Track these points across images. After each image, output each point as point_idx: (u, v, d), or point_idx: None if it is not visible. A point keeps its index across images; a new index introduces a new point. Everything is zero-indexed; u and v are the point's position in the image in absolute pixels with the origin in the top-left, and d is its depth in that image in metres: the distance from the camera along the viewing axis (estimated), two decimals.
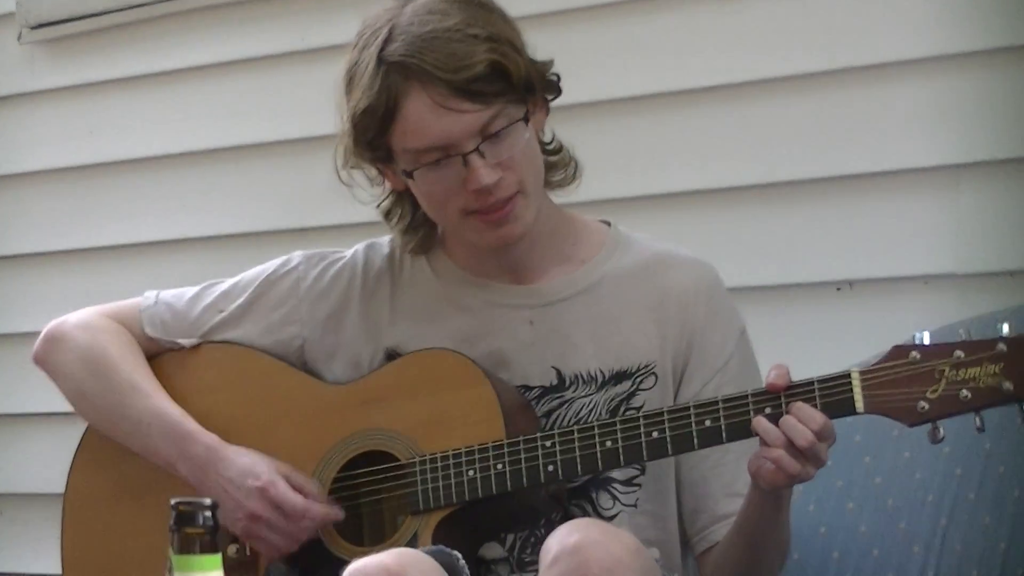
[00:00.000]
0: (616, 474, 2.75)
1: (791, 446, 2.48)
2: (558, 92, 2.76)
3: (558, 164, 2.79)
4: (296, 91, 3.94)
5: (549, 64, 2.74)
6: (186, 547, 1.78)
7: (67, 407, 3.00)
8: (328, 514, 2.76)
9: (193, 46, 4.08)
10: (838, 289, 3.32)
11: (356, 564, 2.49)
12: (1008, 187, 3.17)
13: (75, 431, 3.02)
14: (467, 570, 2.56)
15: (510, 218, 2.69)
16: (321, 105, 3.75)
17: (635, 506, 2.77)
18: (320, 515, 2.75)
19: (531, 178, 2.69)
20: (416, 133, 2.66)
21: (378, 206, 2.84)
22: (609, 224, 2.87)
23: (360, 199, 2.81)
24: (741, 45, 3.41)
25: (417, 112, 2.65)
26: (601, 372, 2.76)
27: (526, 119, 2.68)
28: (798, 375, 2.54)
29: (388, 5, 2.72)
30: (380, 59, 2.66)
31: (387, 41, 2.67)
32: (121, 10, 4.14)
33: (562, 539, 2.44)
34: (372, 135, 2.69)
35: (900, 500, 2.87)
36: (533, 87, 2.70)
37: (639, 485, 2.77)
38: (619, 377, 2.76)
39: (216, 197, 4.06)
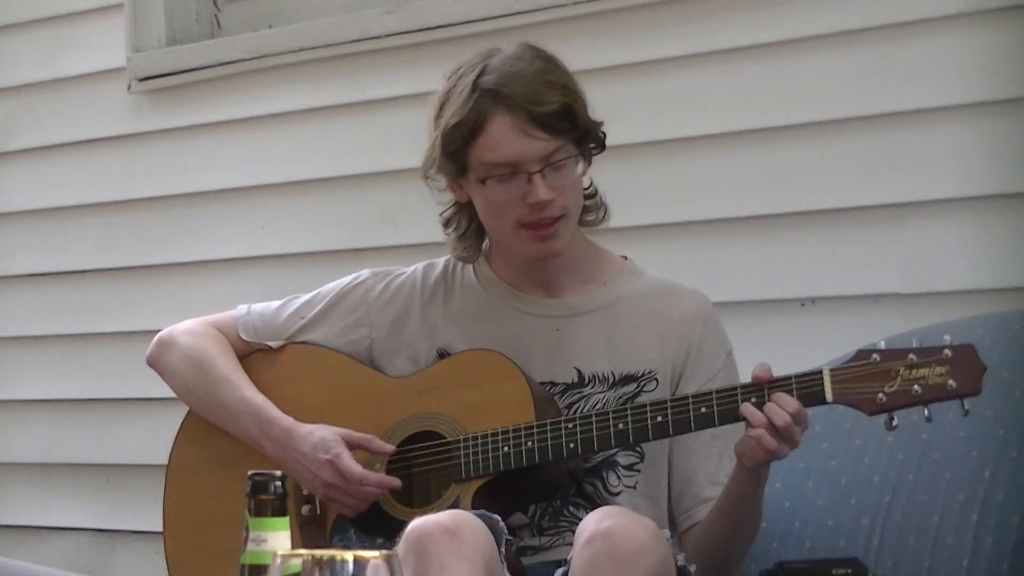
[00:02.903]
0: (621, 459, 2.76)
1: (771, 426, 2.51)
2: (603, 147, 2.79)
3: (592, 207, 2.82)
4: (356, 135, 3.93)
5: (601, 123, 2.78)
6: (259, 511, 1.79)
7: (165, 394, 3.03)
8: (382, 481, 2.77)
9: (272, 97, 4.07)
10: (802, 304, 3.31)
11: (417, 521, 2.49)
12: (945, 221, 3.16)
13: (170, 414, 3.06)
14: (506, 530, 2.57)
15: (553, 235, 2.71)
16: (377, 147, 3.84)
17: (634, 488, 2.77)
18: (375, 481, 2.76)
19: (573, 207, 2.73)
20: (495, 149, 2.69)
21: (441, 215, 2.86)
22: (627, 258, 2.90)
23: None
24: (727, 102, 3.41)
25: (499, 131, 2.68)
26: (613, 374, 2.78)
27: (579, 158, 2.72)
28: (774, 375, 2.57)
29: (479, 50, 2.77)
30: (475, 86, 2.70)
31: (481, 74, 2.71)
32: (213, 66, 4.13)
33: (596, 523, 2.46)
34: (456, 147, 2.72)
35: (851, 480, 2.85)
36: (589, 136, 2.74)
37: (639, 471, 2.78)
38: (627, 379, 2.78)
39: (290, 222, 4.05)
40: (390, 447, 2.80)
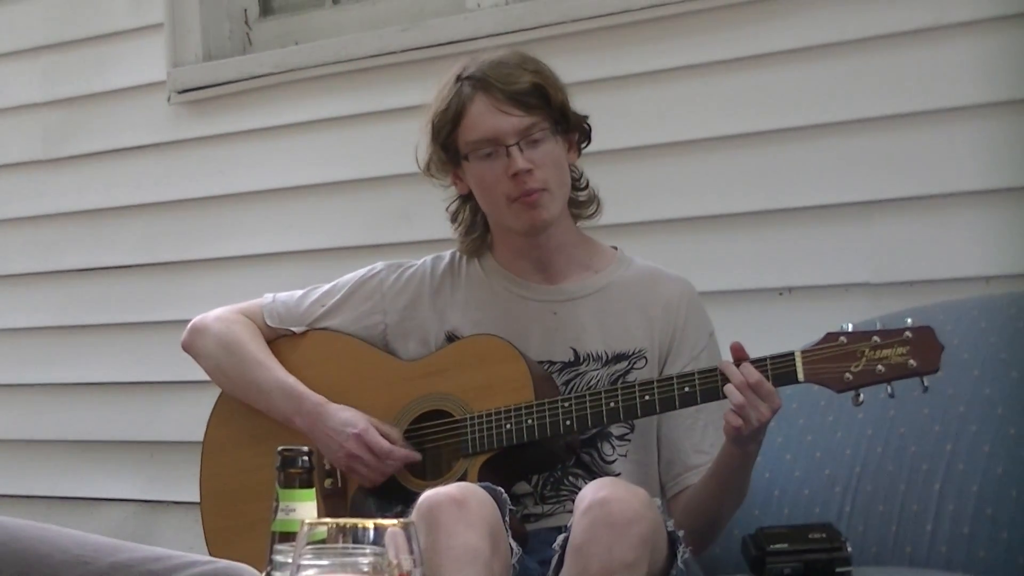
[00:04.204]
0: (613, 430, 2.76)
1: (748, 386, 2.52)
2: (588, 139, 2.80)
3: (586, 201, 2.84)
4: (375, 141, 3.92)
5: (584, 116, 2.80)
6: (288, 483, 1.78)
7: (202, 377, 3.03)
8: (408, 455, 2.78)
9: (299, 107, 4.06)
10: (779, 294, 3.31)
11: (427, 493, 2.50)
12: (909, 217, 3.15)
13: (206, 395, 3.06)
14: (509, 502, 2.58)
15: (538, 204, 2.72)
16: (394, 151, 3.79)
17: (626, 456, 2.77)
18: (401, 456, 2.77)
19: (555, 183, 2.74)
20: (475, 127, 2.72)
21: (447, 209, 2.87)
22: (616, 248, 2.90)
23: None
24: (709, 109, 3.40)
25: (478, 111, 2.72)
26: (606, 353, 2.78)
27: (556, 135, 2.73)
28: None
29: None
30: (457, 78, 2.75)
31: (464, 69, 2.75)
32: (245, 80, 4.12)
33: (594, 493, 2.47)
34: (445, 134, 2.75)
35: (825, 453, 2.85)
36: (567, 120, 2.75)
37: (629, 440, 2.78)
38: (619, 358, 2.78)
39: (314, 220, 4.04)
40: (415, 455, 2.80)
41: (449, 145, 2.77)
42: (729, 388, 2.54)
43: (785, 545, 2.53)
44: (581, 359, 2.79)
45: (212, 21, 4.25)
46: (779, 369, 2.56)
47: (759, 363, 2.56)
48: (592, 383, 2.76)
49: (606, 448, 2.77)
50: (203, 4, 4.23)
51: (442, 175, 2.82)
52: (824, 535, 2.55)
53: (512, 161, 2.71)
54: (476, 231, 2.85)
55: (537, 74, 2.75)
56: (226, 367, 2.95)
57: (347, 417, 2.81)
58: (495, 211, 2.79)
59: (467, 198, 2.84)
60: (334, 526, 1.56)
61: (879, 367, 2.52)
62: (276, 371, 2.90)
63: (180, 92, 4.26)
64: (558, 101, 2.75)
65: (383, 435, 2.79)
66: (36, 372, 4.60)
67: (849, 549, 2.53)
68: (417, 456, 2.79)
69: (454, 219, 2.87)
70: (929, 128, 3.13)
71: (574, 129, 2.79)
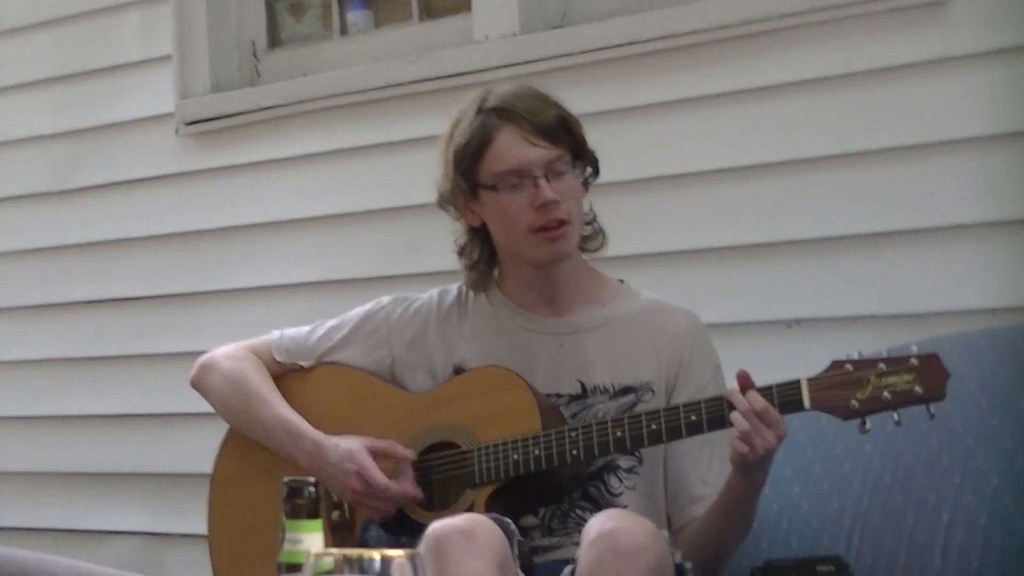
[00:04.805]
0: (621, 463, 2.76)
1: (753, 413, 2.52)
2: (597, 174, 2.82)
3: (592, 234, 2.85)
4: (382, 173, 3.93)
5: (594, 151, 2.82)
6: (295, 514, 1.81)
7: (210, 410, 3.04)
8: (404, 491, 2.78)
9: (307, 139, 4.07)
10: (788, 326, 3.31)
11: (435, 525, 2.50)
12: (917, 248, 3.16)
13: (214, 428, 3.06)
14: (518, 532, 2.57)
15: (562, 237, 2.73)
16: (402, 183, 3.86)
17: (634, 489, 2.77)
18: (397, 492, 2.77)
19: (576, 216, 2.76)
20: (502, 158, 2.73)
21: (456, 242, 2.87)
22: (623, 281, 2.91)
23: None
24: (717, 141, 3.41)
25: (505, 142, 2.72)
26: (613, 386, 2.79)
27: (574, 169, 2.75)
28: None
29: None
30: (479, 109, 2.75)
31: (483, 100, 2.76)
32: (253, 111, 4.14)
33: (600, 524, 2.47)
34: (467, 164, 2.75)
35: (832, 484, 2.85)
36: (585, 154, 2.77)
37: (637, 473, 2.78)
38: (626, 391, 2.79)
39: (322, 252, 4.05)
40: (411, 452, 2.80)
41: (471, 175, 2.77)
42: (735, 416, 2.54)
43: None
44: (588, 392, 2.79)
45: (220, 53, 4.27)
46: (785, 397, 2.56)
47: (765, 391, 2.57)
48: (599, 416, 2.75)
49: (612, 481, 2.78)
50: (211, 36, 4.25)
51: (457, 207, 2.82)
52: (833, 567, 2.55)
53: (540, 192, 2.71)
54: (483, 265, 2.85)
55: (559, 107, 2.77)
56: (233, 404, 2.97)
57: (345, 452, 2.81)
58: (514, 242, 2.79)
59: (476, 231, 2.84)
60: (341, 557, 1.57)
61: (885, 394, 2.52)
62: (278, 407, 2.91)
63: (188, 124, 4.27)
64: (580, 135, 2.77)
65: (382, 451, 2.80)
66: (44, 404, 4.61)
67: None
68: (415, 492, 2.79)
69: (461, 253, 2.87)
70: (936, 160, 3.14)
71: (588, 163, 2.81)
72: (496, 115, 2.74)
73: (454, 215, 2.85)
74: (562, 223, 2.73)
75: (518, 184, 2.73)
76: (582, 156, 2.78)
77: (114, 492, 4.44)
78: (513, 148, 2.72)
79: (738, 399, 2.55)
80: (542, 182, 2.71)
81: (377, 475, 2.77)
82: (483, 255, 2.85)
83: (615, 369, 2.80)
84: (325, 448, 2.83)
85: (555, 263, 2.78)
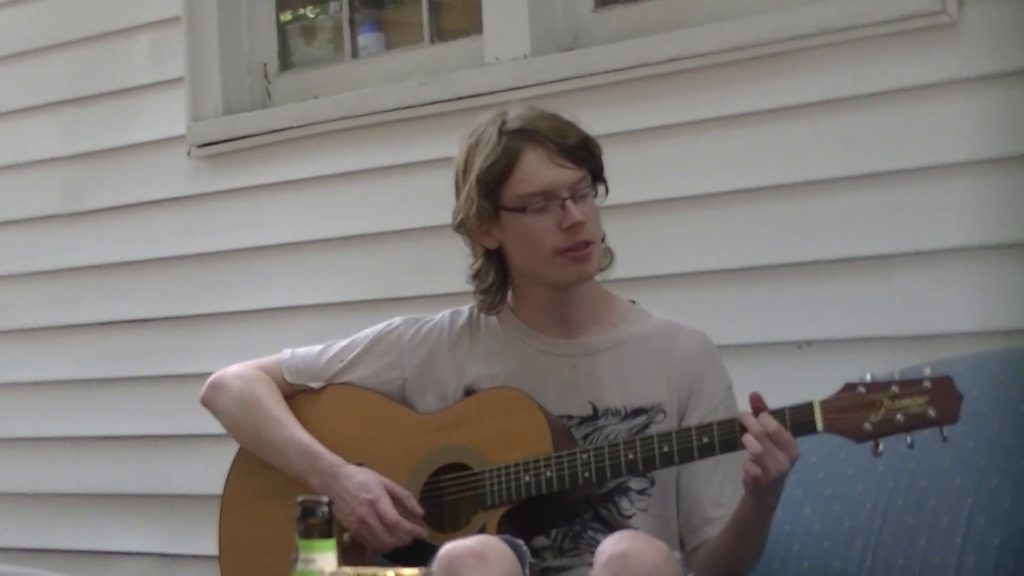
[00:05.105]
0: (633, 484, 2.76)
1: (766, 435, 2.51)
2: (607, 193, 2.81)
3: (604, 254, 2.84)
4: (394, 195, 3.94)
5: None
6: (308, 533, 1.80)
7: (221, 431, 3.03)
8: (413, 531, 2.77)
9: (318, 161, 4.08)
10: (799, 347, 3.31)
11: (447, 547, 2.50)
12: (928, 270, 3.16)
13: (225, 449, 3.06)
14: (529, 554, 2.58)
15: (586, 258, 2.73)
16: (413, 205, 3.86)
17: (646, 511, 2.77)
18: (406, 530, 2.77)
19: (598, 236, 2.76)
20: (529, 181, 2.72)
21: (471, 266, 2.85)
22: (634, 302, 2.91)
23: None
24: (729, 163, 3.41)
25: (531, 164, 2.72)
26: (625, 408, 2.78)
27: (594, 190, 2.75)
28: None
29: (488, 115, 2.80)
30: (501, 131, 2.74)
31: (503, 122, 2.75)
32: (264, 133, 4.15)
33: (613, 546, 2.48)
34: (491, 187, 2.73)
35: (845, 506, 2.84)
36: (603, 175, 2.78)
37: (650, 495, 2.78)
38: (638, 412, 2.78)
39: (333, 274, 4.05)
40: (420, 510, 2.79)
41: (494, 198, 2.75)
42: (747, 438, 2.54)
43: None
44: (599, 414, 2.79)
45: (232, 75, 4.28)
46: (798, 419, 2.56)
47: (777, 413, 2.56)
48: (611, 438, 2.75)
49: (624, 503, 2.77)
50: (223, 59, 4.26)
51: (475, 230, 2.80)
52: None
53: (568, 214, 2.71)
54: (497, 288, 2.84)
55: (578, 129, 2.77)
56: (243, 424, 2.96)
57: (362, 481, 2.80)
58: (537, 264, 2.77)
59: (492, 254, 2.83)
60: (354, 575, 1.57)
61: (898, 416, 2.51)
62: (292, 429, 2.90)
63: (200, 146, 4.28)
64: (599, 156, 2.78)
65: (397, 496, 2.79)
66: (55, 425, 4.61)
67: None
68: (421, 533, 2.78)
69: (476, 277, 2.85)
70: (948, 181, 3.14)
71: (604, 184, 2.81)
72: (520, 137, 2.73)
73: (469, 240, 2.84)
74: (587, 244, 2.73)
75: (545, 206, 2.72)
76: (599, 178, 2.79)
77: (125, 513, 4.45)
78: (540, 170, 2.72)
79: (751, 422, 2.54)
80: (569, 203, 2.71)
81: (390, 509, 2.77)
82: (498, 278, 2.84)
83: (626, 391, 2.79)
84: (343, 473, 2.82)
85: (579, 284, 2.78)
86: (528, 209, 2.73)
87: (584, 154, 2.75)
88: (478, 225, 2.78)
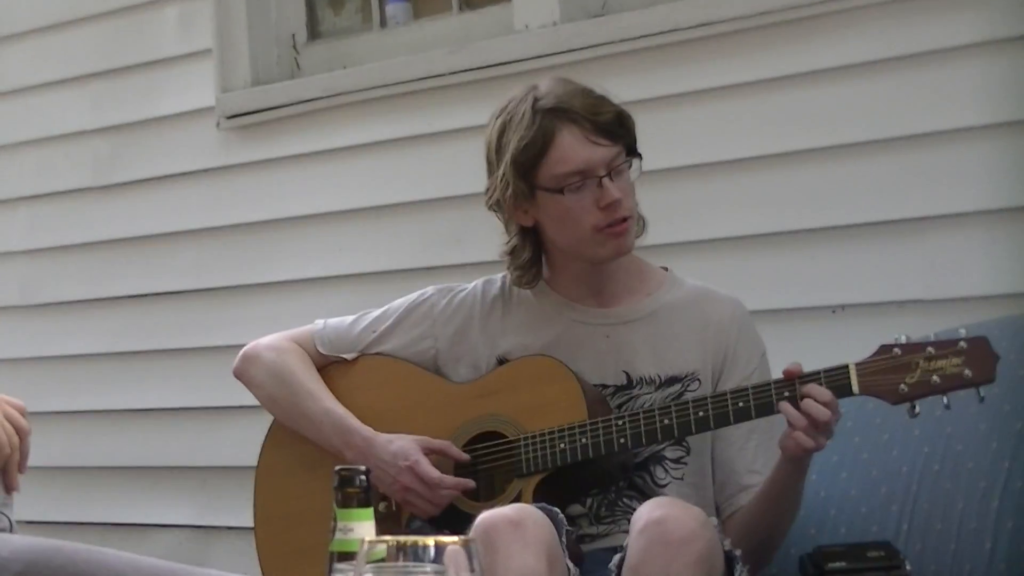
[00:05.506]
0: (668, 453, 2.76)
1: (811, 425, 2.51)
2: (641, 166, 2.79)
3: (636, 223, 2.82)
4: (424, 164, 3.94)
5: None
6: (346, 503, 1.80)
7: (254, 402, 3.04)
8: (459, 483, 2.78)
9: (347, 131, 4.07)
10: (832, 311, 3.30)
11: (484, 515, 2.51)
12: (963, 232, 3.15)
13: (259, 420, 3.06)
14: (565, 522, 2.58)
15: (624, 233, 2.72)
16: (444, 174, 3.86)
17: (682, 479, 2.77)
18: (451, 484, 2.77)
19: (635, 210, 2.75)
20: (566, 160, 2.70)
21: (506, 244, 2.84)
22: (667, 269, 2.90)
23: None
24: (763, 128, 3.40)
25: (568, 143, 2.70)
26: (659, 376, 2.78)
27: (631, 165, 2.73)
28: None
29: (519, 89, 2.78)
30: (535, 109, 2.71)
31: (536, 99, 2.73)
32: (293, 104, 4.14)
33: (649, 512, 2.48)
34: (526, 169, 2.72)
35: (881, 471, 2.84)
36: (636, 149, 2.76)
37: (686, 464, 2.78)
38: (672, 381, 2.78)
39: (365, 244, 4.06)
40: (465, 455, 2.80)
41: (529, 177, 2.73)
42: (794, 408, 2.54)
43: (843, 564, 2.54)
44: (634, 382, 2.79)
45: (260, 46, 4.28)
46: (833, 382, 2.56)
47: (813, 376, 2.56)
48: (645, 406, 2.74)
49: (659, 472, 2.78)
50: (251, 30, 4.26)
51: (510, 209, 2.78)
52: (883, 553, 2.55)
53: (606, 192, 2.70)
54: (532, 264, 2.83)
55: (614, 104, 2.75)
56: (277, 396, 2.96)
57: (398, 449, 2.80)
58: (575, 241, 2.76)
59: (527, 231, 2.81)
60: (394, 544, 1.57)
61: (934, 378, 2.52)
62: (326, 401, 2.90)
63: (229, 117, 4.29)
64: (633, 130, 2.76)
65: (438, 450, 2.79)
66: (89, 399, 4.63)
67: (908, 567, 2.53)
68: (468, 483, 2.78)
69: (512, 252, 2.83)
70: (981, 143, 3.13)
71: (638, 156, 2.79)
72: (554, 116, 2.71)
73: (503, 218, 2.82)
74: (625, 219, 2.73)
75: (582, 185, 2.71)
76: (634, 151, 2.77)
77: (159, 486, 4.46)
78: (577, 149, 2.70)
79: (792, 415, 2.54)
80: (606, 181, 2.70)
81: (430, 469, 2.77)
82: (533, 254, 2.83)
83: (661, 359, 2.79)
84: (377, 444, 2.82)
85: (617, 258, 2.78)
86: (565, 189, 2.71)
87: (619, 129, 2.73)
88: (514, 204, 2.77)
